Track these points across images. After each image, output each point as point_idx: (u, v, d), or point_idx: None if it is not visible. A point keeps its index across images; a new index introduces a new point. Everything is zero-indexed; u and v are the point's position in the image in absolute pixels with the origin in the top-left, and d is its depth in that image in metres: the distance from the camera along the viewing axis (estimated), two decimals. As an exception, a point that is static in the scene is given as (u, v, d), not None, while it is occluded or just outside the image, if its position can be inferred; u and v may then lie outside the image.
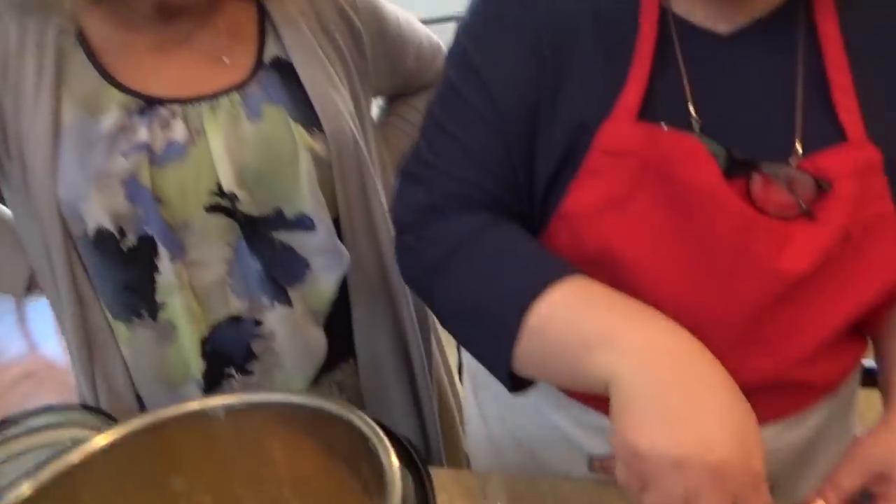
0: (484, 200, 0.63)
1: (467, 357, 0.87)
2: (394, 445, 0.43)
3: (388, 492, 0.38)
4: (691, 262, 0.60)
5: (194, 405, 0.48)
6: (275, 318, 0.78)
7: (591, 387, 0.49)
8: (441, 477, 0.78)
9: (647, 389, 0.45)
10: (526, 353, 0.54)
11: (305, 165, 0.76)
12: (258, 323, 0.79)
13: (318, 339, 0.81)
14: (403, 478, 0.40)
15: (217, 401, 0.49)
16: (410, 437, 0.91)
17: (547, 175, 0.63)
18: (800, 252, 0.59)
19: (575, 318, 0.51)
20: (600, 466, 0.76)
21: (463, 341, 0.62)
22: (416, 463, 0.43)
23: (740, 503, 0.43)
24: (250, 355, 0.79)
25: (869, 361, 0.74)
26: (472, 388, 0.86)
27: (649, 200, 0.61)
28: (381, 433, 0.44)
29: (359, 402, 0.88)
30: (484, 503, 0.73)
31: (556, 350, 0.52)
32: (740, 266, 0.59)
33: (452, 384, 1.02)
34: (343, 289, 0.84)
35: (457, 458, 1.00)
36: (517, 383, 0.58)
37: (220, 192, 0.74)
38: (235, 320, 0.78)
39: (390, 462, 0.41)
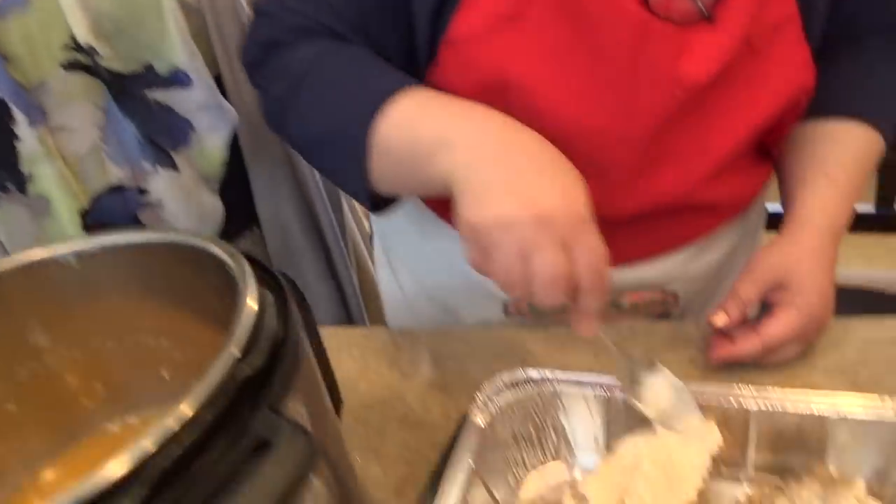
0: (328, 34, 0.59)
1: (375, 217, 0.83)
2: (263, 279, 0.40)
3: (234, 325, 0.34)
4: (589, 78, 0.57)
5: (40, 252, 0.44)
6: (161, 185, 0.73)
7: (437, 191, 0.49)
8: (352, 334, 0.76)
9: (478, 175, 0.47)
10: (378, 172, 0.54)
11: (171, 12, 0.68)
12: (143, 191, 0.73)
13: (212, 206, 0.76)
14: (262, 313, 0.36)
15: (66, 247, 0.44)
16: (329, 307, 0.89)
17: (429, 4, 0.58)
18: (700, 58, 0.56)
19: (414, 129, 0.51)
20: (516, 309, 0.76)
21: (322, 171, 0.63)
22: (285, 299, 0.40)
23: (572, 245, 0.45)
24: (139, 226, 0.74)
25: (774, 206, 0.73)
26: (382, 249, 0.83)
27: (541, 15, 0.56)
28: (245, 262, 0.40)
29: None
30: (396, 354, 0.72)
31: (402, 163, 0.52)
32: (639, 77, 0.56)
33: (371, 252, 0.99)
34: (238, 152, 0.78)
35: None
36: (380, 204, 0.58)
37: (77, 45, 0.66)
38: (117, 190, 0.72)
39: (245, 294, 0.37)
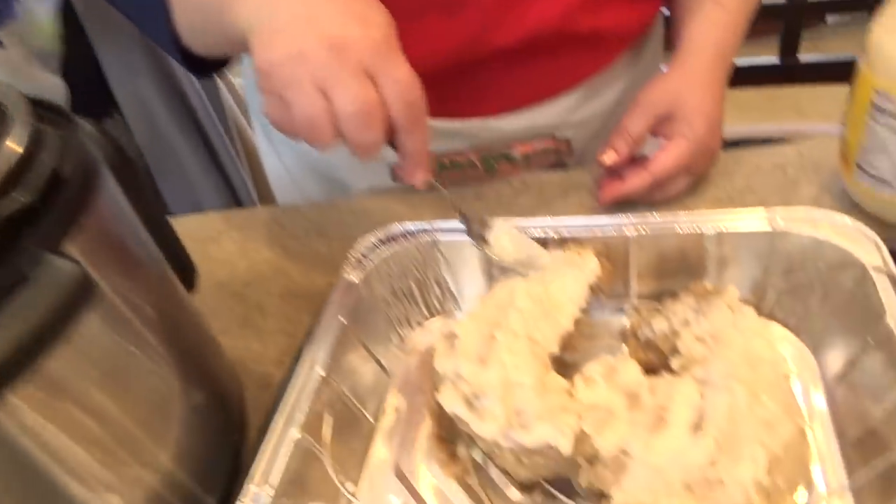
0: None
1: (249, 87, 0.76)
2: (48, 118, 0.34)
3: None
4: None
5: None
6: (-15, 65, 0.64)
7: (238, 44, 0.44)
8: (232, 217, 0.71)
9: (270, 18, 0.42)
10: (181, 28, 0.48)
11: None
12: (-36, 73, 0.64)
13: (51, 86, 0.67)
14: (32, 150, 0.30)
15: None
16: (214, 193, 0.83)
17: None
18: None
19: None
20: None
21: (139, 28, 0.56)
22: (75, 140, 0.34)
23: (376, 75, 0.40)
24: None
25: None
26: (259, 124, 0.77)
27: None
28: (22, 99, 0.34)
29: (141, 163, 0.77)
30: (279, 232, 0.67)
31: (200, 18, 0.47)
32: None
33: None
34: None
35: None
36: (204, 65, 0.52)
37: None
38: (-69, 73, 0.63)
39: (8, 131, 0.31)
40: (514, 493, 0.41)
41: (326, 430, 0.40)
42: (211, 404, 0.42)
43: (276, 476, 0.37)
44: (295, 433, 0.39)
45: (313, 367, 0.43)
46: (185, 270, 0.47)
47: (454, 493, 0.42)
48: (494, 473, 0.42)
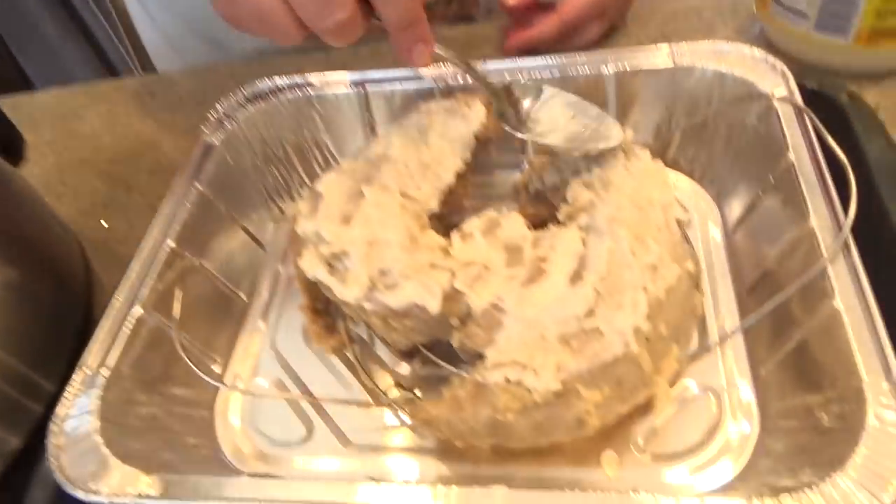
0: None
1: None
2: None
3: None
4: None
5: None
6: None
7: None
8: (97, 90, 0.63)
9: None
10: None
11: None
12: None
13: None
14: None
15: None
16: (84, 62, 0.74)
17: None
18: None
19: None
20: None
21: None
22: None
23: None
24: None
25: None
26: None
27: None
28: None
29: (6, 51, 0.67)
30: (151, 103, 0.60)
31: None
32: None
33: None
34: None
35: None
36: None
37: None
38: None
39: None
40: (394, 362, 0.38)
41: (177, 307, 0.36)
42: (45, 287, 0.37)
43: (114, 357, 0.33)
44: (138, 310, 0.35)
45: (163, 240, 0.38)
46: (9, 143, 0.40)
47: (331, 367, 0.38)
48: (376, 344, 0.39)
